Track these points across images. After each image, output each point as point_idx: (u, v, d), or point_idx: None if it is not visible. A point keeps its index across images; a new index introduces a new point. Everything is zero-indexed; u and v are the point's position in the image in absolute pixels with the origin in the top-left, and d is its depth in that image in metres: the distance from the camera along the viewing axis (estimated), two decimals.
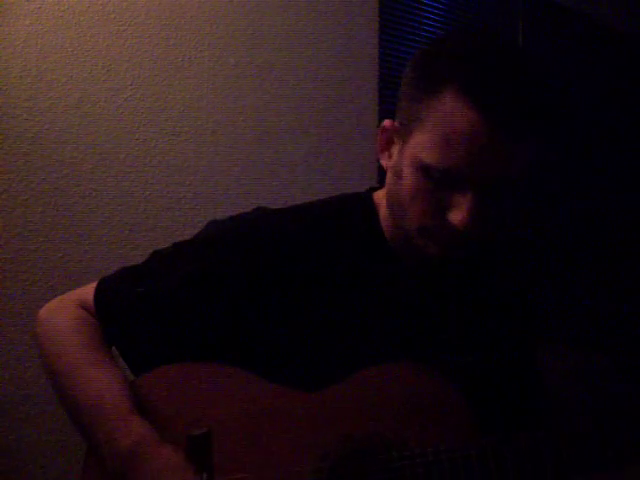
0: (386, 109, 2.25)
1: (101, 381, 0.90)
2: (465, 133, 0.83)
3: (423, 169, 0.87)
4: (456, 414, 0.88)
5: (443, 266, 0.96)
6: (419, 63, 0.92)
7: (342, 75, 2.16)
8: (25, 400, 1.58)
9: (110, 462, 0.84)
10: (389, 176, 0.95)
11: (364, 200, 1.02)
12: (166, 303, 0.95)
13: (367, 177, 2.21)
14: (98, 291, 0.98)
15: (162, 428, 0.86)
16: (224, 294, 0.94)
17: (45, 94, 1.62)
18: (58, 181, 1.64)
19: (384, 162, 0.97)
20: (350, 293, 0.96)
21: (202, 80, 1.87)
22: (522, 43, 2.93)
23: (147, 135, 1.78)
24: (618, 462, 0.82)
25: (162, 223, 1.79)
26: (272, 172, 2.01)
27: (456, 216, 0.86)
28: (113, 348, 0.98)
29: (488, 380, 0.97)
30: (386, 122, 0.96)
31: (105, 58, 1.71)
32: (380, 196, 1.01)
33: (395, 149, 0.94)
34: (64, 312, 0.97)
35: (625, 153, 3.42)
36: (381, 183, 1.03)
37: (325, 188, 2.09)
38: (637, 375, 2.18)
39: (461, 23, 2.75)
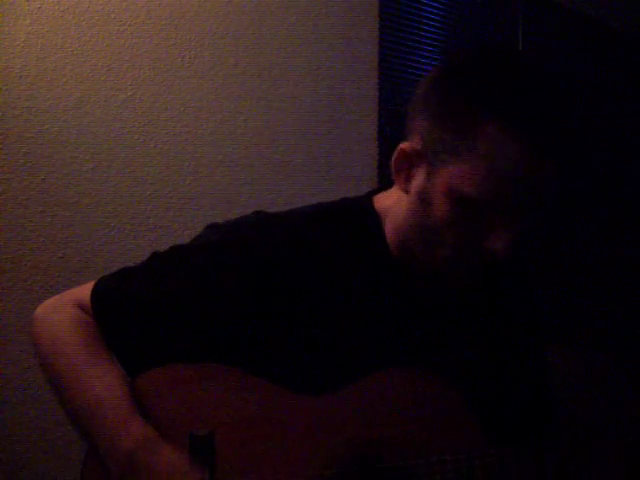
0: (386, 110, 2.25)
1: (100, 382, 0.89)
2: (512, 165, 0.83)
3: (460, 200, 0.85)
4: (459, 419, 0.88)
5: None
6: (447, 89, 0.89)
7: (342, 75, 2.16)
8: (25, 400, 1.58)
9: (112, 465, 0.84)
10: (411, 201, 0.92)
11: (366, 207, 1.01)
12: (163, 306, 0.94)
13: (367, 178, 2.20)
14: (95, 291, 0.98)
15: (163, 429, 0.86)
16: (223, 299, 0.94)
17: (45, 94, 1.62)
18: (58, 181, 1.64)
19: (400, 184, 0.94)
20: (354, 300, 0.96)
21: (202, 80, 1.87)
22: (522, 43, 2.93)
23: (147, 135, 1.77)
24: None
25: (162, 223, 1.79)
26: (272, 171, 2.00)
27: (497, 244, 0.86)
28: None
29: (494, 386, 0.97)
30: (404, 145, 0.92)
31: (105, 58, 1.71)
32: (384, 205, 1.00)
33: (418, 173, 0.91)
34: (61, 311, 0.96)
35: (625, 153, 3.41)
36: (381, 185, 1.02)
37: (325, 189, 2.09)
38: (637, 375, 2.18)
39: (461, 23, 2.74)
